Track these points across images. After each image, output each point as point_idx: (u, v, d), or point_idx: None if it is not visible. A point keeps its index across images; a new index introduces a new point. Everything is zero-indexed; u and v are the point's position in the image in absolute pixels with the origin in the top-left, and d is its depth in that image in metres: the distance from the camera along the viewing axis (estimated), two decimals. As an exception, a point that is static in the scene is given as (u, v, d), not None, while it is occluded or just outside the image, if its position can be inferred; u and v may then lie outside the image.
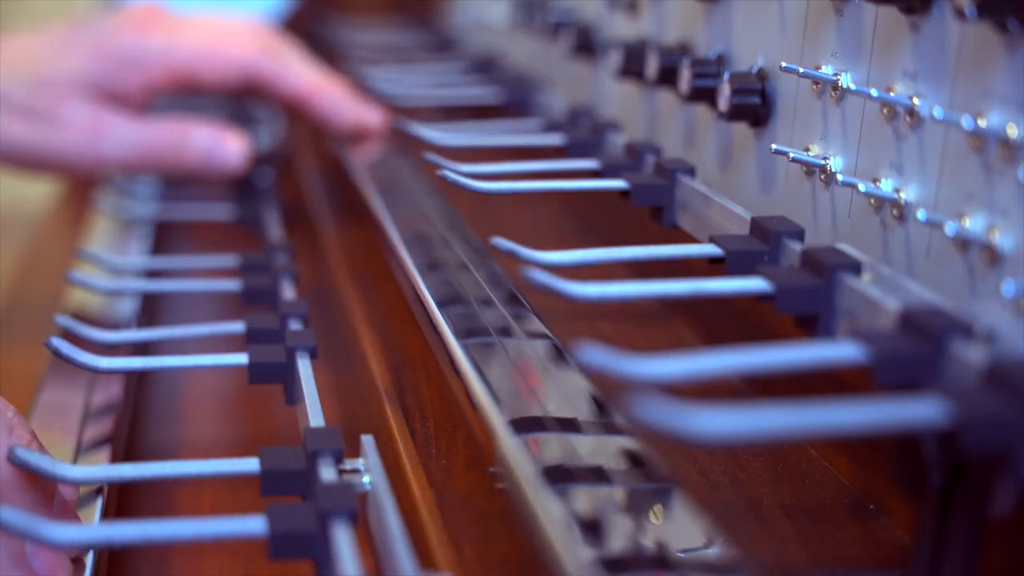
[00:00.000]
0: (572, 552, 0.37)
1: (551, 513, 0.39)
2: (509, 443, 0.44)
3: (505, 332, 0.55)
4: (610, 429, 0.46)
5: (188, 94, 0.89)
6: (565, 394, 0.49)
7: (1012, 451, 0.34)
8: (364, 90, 0.92)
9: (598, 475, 0.43)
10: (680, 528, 0.41)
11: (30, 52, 0.82)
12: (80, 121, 0.81)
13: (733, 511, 0.49)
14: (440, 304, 0.58)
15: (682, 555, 0.39)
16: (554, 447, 0.45)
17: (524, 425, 0.46)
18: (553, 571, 0.37)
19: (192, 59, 0.84)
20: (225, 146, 0.83)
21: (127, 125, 0.82)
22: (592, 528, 0.40)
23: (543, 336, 0.54)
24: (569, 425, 0.47)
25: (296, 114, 0.91)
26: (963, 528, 0.38)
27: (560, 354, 0.52)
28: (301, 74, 0.87)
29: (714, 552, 0.40)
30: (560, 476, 0.42)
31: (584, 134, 0.70)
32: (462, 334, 0.54)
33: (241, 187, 0.89)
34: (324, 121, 0.88)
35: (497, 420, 0.46)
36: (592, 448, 0.45)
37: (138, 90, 0.83)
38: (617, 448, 0.45)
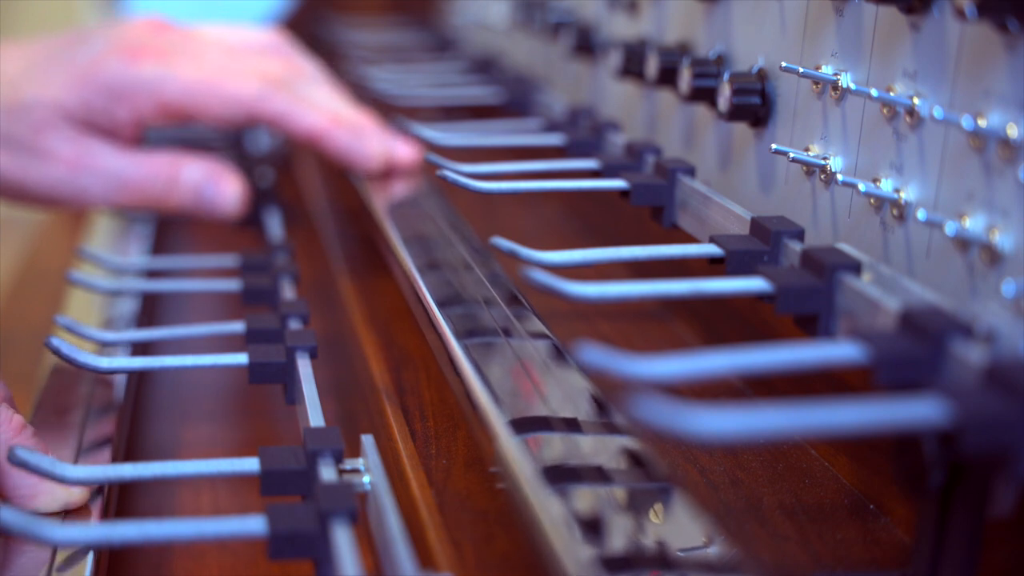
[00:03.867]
0: (572, 551, 0.37)
1: (551, 512, 0.39)
2: (509, 442, 0.44)
3: (506, 332, 0.55)
4: (610, 429, 0.46)
5: (185, 125, 0.82)
6: (565, 394, 0.49)
7: (1012, 451, 0.34)
8: (364, 90, 0.92)
9: (598, 474, 0.43)
10: (680, 527, 0.41)
11: (10, 73, 0.76)
12: (61, 152, 0.74)
13: (733, 511, 0.49)
14: (440, 304, 0.58)
15: (682, 554, 0.39)
16: (554, 446, 0.45)
17: (524, 425, 0.46)
18: (553, 570, 0.37)
19: (186, 94, 0.76)
20: (218, 186, 0.76)
21: (113, 158, 0.75)
22: (592, 527, 0.40)
23: (543, 336, 0.54)
24: (569, 424, 0.47)
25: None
26: (963, 528, 0.38)
27: (560, 354, 0.52)
28: (314, 109, 0.78)
29: (714, 551, 0.40)
30: (560, 475, 0.42)
31: (584, 134, 0.70)
32: (462, 334, 0.54)
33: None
34: (343, 160, 0.79)
35: (497, 420, 0.46)
36: (592, 447, 0.45)
37: (127, 123, 0.76)
38: (617, 447, 0.45)
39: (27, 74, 0.76)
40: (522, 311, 0.57)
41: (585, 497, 0.41)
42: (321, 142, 0.78)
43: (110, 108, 0.75)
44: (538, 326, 0.55)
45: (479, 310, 0.57)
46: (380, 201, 0.75)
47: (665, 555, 0.39)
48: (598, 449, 0.45)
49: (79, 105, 0.75)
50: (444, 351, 0.54)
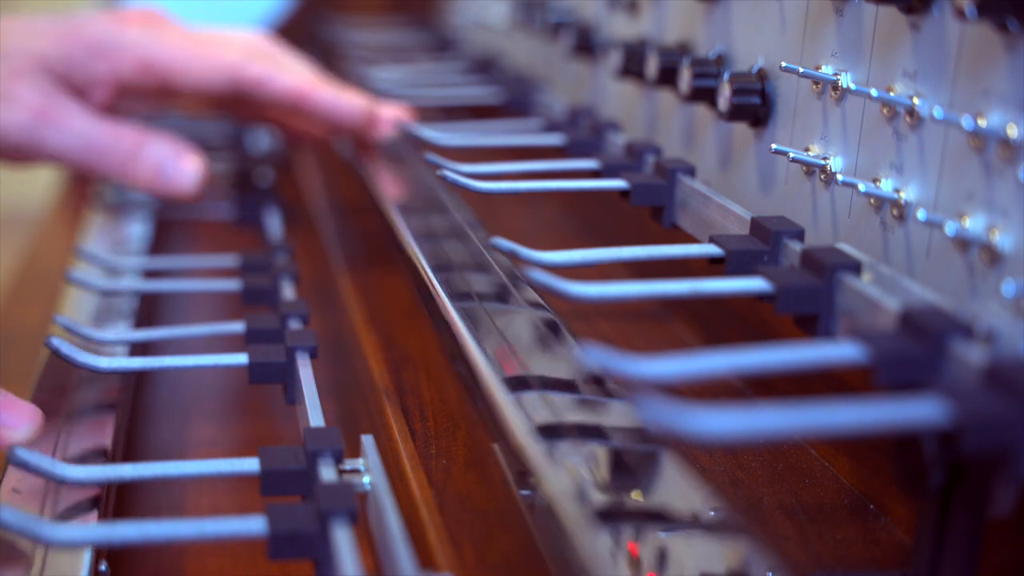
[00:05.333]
0: (573, 506, 0.38)
1: (557, 479, 0.39)
2: (507, 402, 0.44)
3: (502, 301, 0.54)
4: (608, 395, 0.46)
5: (168, 98, 0.83)
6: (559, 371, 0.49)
7: (1012, 451, 0.34)
8: (364, 90, 0.92)
9: (596, 434, 0.43)
10: (673, 489, 0.41)
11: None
12: (29, 100, 0.74)
13: (733, 511, 0.49)
14: (450, 296, 0.57)
15: (676, 513, 0.39)
16: (545, 410, 0.45)
17: (516, 384, 0.46)
18: (554, 527, 0.38)
19: (168, 57, 0.77)
20: (180, 164, 0.77)
21: (81, 118, 0.75)
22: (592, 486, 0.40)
23: (539, 306, 0.54)
24: (563, 387, 0.47)
25: (296, 131, 0.85)
26: (963, 528, 0.38)
27: (556, 332, 0.52)
28: (296, 72, 0.80)
29: (707, 513, 0.40)
30: (556, 434, 0.42)
31: (584, 134, 0.70)
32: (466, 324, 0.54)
33: (241, 187, 0.89)
34: (327, 116, 0.80)
35: (499, 393, 0.46)
36: (589, 413, 0.45)
37: (105, 81, 0.77)
38: (614, 412, 0.45)
39: (13, 28, 0.77)
40: (525, 294, 0.56)
41: (583, 457, 0.41)
42: (304, 100, 0.80)
43: (90, 63, 0.76)
44: (535, 297, 0.55)
45: (484, 304, 0.57)
46: (387, 191, 0.75)
47: (662, 513, 0.39)
48: (595, 415, 0.45)
49: (60, 59, 0.75)
50: (454, 342, 0.54)
